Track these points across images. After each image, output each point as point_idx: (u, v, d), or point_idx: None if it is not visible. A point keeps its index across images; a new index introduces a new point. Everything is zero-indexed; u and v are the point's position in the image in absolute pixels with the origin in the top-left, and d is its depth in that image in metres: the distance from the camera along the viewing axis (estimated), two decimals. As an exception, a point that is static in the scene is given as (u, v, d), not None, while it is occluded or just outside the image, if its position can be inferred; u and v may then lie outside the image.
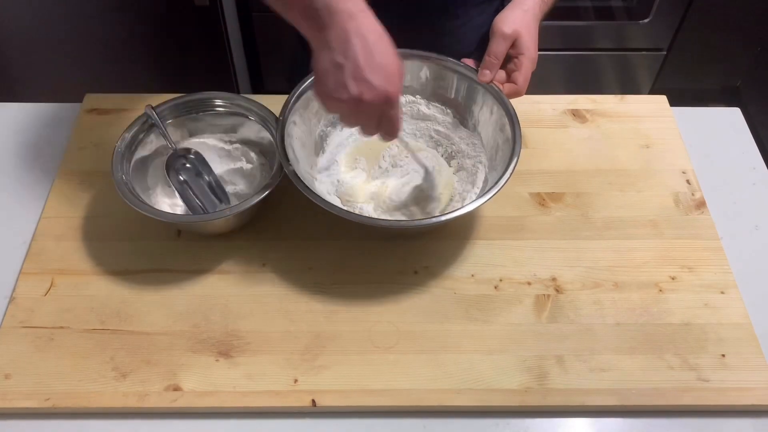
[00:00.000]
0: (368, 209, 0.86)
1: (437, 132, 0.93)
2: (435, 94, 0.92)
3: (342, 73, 0.63)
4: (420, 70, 0.91)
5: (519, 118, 0.83)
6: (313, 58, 0.66)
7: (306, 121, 0.87)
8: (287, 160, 0.79)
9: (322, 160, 0.90)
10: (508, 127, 0.83)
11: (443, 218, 0.77)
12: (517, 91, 0.85)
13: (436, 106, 0.93)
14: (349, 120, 0.70)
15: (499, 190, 0.77)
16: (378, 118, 0.68)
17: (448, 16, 0.98)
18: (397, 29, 0.95)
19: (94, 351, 0.76)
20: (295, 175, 0.77)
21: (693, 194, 0.92)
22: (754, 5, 1.76)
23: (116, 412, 0.73)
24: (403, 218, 0.85)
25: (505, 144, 0.83)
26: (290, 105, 0.83)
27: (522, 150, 0.81)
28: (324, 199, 0.77)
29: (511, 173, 0.78)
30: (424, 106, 0.93)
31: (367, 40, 0.64)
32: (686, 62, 1.91)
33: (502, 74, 0.86)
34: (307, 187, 0.77)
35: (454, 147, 0.92)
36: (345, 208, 0.82)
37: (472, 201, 0.78)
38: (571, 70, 1.94)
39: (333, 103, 0.66)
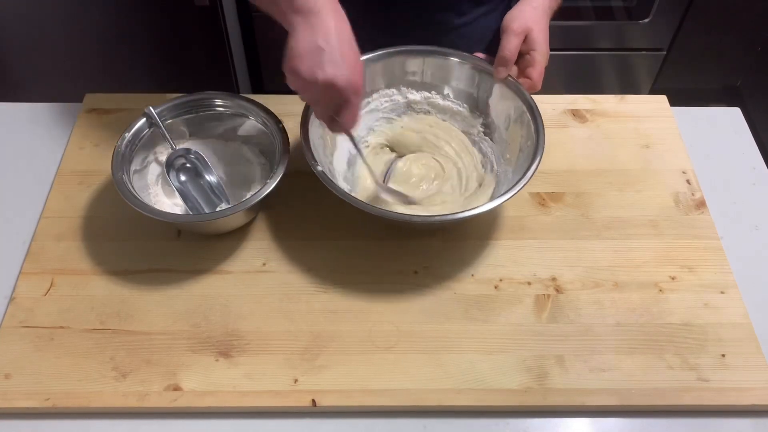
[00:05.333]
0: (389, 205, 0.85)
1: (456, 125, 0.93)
2: (453, 88, 0.92)
3: (321, 55, 0.67)
4: (437, 65, 0.91)
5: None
6: (290, 36, 0.70)
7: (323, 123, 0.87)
8: (314, 160, 0.79)
9: (339, 160, 0.90)
10: (530, 122, 0.83)
11: (470, 213, 0.76)
12: (532, 86, 0.86)
13: (453, 101, 0.93)
14: (312, 99, 0.73)
15: (525, 185, 0.77)
16: (339, 105, 0.72)
17: (454, 13, 0.98)
18: (403, 25, 0.95)
19: (94, 351, 0.76)
20: (324, 175, 0.78)
21: (693, 194, 0.92)
22: (754, 5, 1.76)
23: (116, 412, 0.73)
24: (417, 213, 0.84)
25: (528, 139, 0.83)
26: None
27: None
28: (359, 200, 0.77)
29: (536, 168, 0.78)
30: (440, 100, 0.93)
31: (344, 34, 0.70)
32: (686, 62, 1.91)
33: (515, 71, 0.87)
34: (338, 187, 0.77)
35: (472, 143, 0.92)
36: (384, 207, 0.81)
37: (498, 197, 0.78)
38: (571, 70, 1.94)
39: (302, 82, 0.69)
